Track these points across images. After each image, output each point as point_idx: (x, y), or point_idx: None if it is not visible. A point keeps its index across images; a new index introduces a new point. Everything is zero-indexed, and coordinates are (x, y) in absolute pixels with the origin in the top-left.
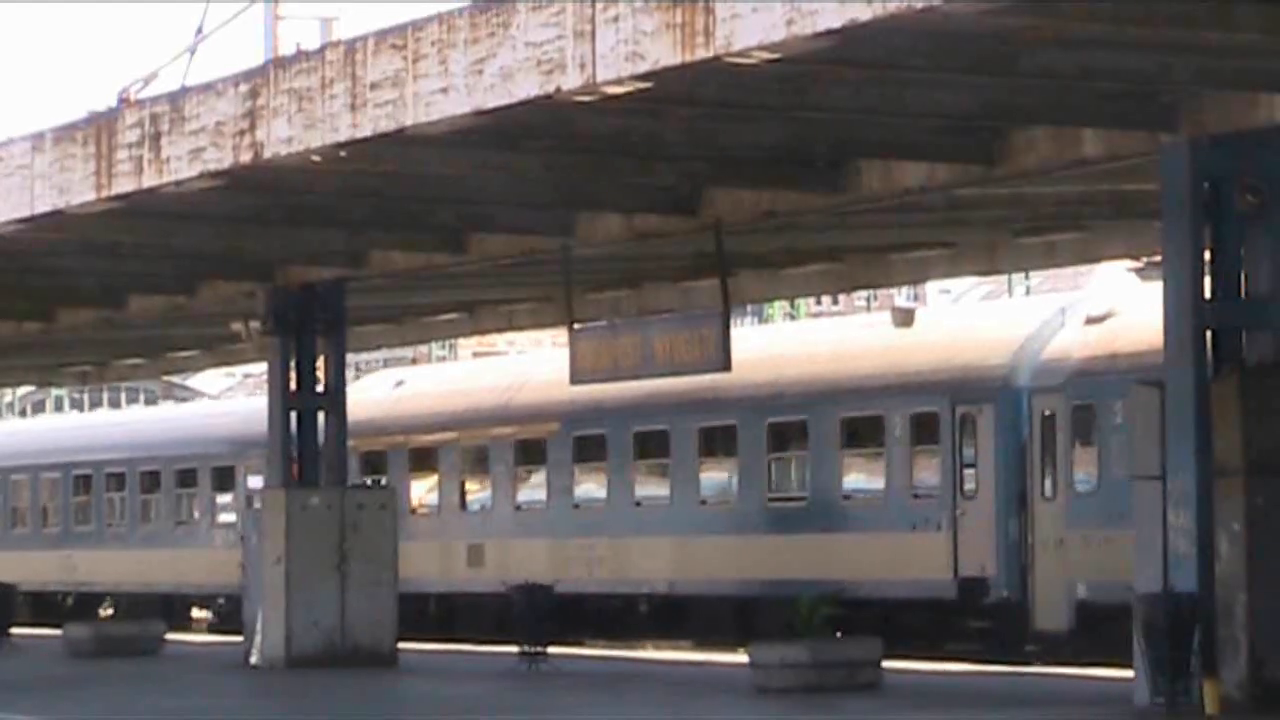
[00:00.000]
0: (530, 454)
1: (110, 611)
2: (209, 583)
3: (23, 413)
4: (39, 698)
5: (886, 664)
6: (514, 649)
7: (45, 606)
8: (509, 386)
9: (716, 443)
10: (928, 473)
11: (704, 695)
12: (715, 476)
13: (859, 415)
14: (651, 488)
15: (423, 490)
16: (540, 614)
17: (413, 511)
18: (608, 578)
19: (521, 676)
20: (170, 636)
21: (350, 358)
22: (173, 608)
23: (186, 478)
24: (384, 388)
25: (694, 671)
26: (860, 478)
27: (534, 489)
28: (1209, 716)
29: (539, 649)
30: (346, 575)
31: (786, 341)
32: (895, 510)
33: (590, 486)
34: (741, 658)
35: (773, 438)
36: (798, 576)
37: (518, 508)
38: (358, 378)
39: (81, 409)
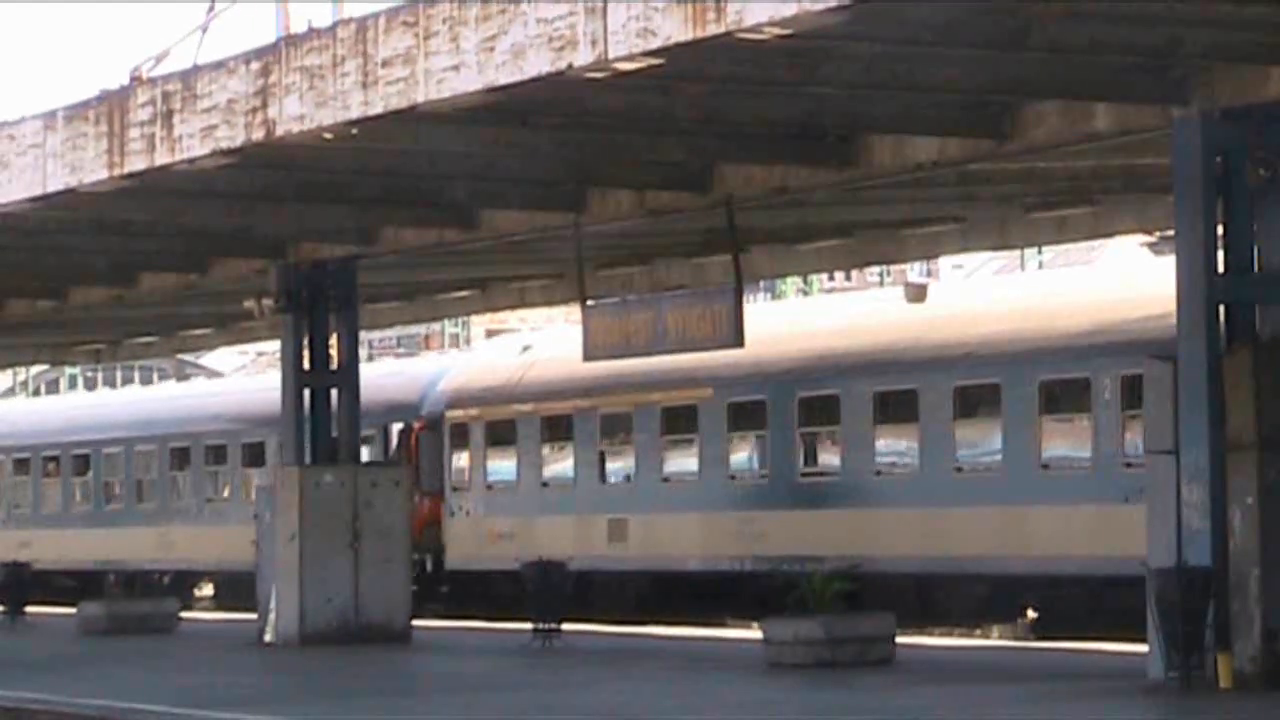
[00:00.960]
0: (679, 422)
1: (210, 591)
2: None
3: (36, 391)
4: (53, 676)
5: (900, 639)
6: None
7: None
8: None
9: (891, 408)
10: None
11: (716, 671)
12: (893, 444)
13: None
14: (824, 457)
15: (557, 461)
16: (554, 590)
17: (544, 485)
18: (771, 554)
19: (535, 653)
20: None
21: (362, 335)
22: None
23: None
24: (508, 354)
25: (707, 647)
26: (1063, 444)
27: (684, 459)
28: (1222, 690)
29: (552, 625)
30: (360, 552)
31: (978, 297)
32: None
33: (747, 456)
34: (756, 634)
35: (960, 402)
36: (987, 553)
37: (665, 479)
38: (370, 356)
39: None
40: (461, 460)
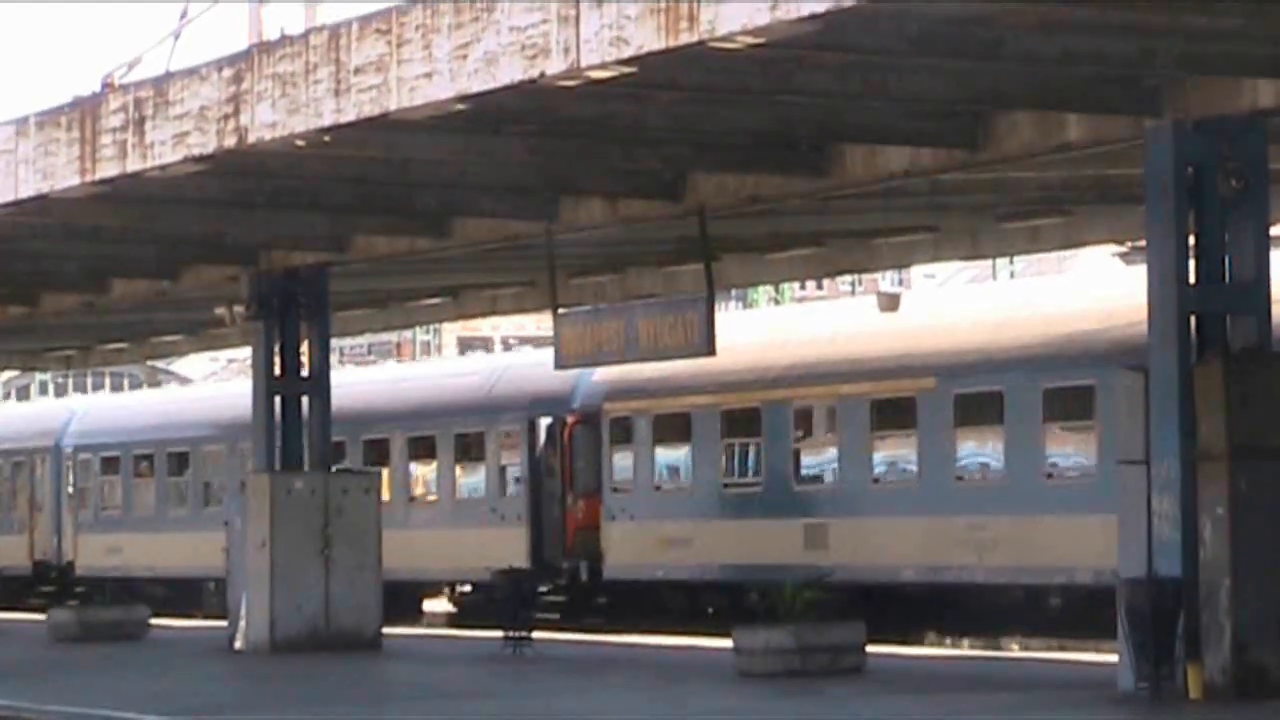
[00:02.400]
0: (893, 415)
1: None
2: (457, 567)
3: (7, 396)
4: (21, 682)
5: (870, 649)
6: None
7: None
8: (859, 334)
9: None
10: None
11: (686, 680)
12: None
13: None
14: (1069, 452)
15: (741, 459)
16: (523, 598)
17: (725, 486)
18: (1002, 565)
19: (505, 661)
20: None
21: (334, 342)
22: (400, 596)
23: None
24: None
25: (678, 656)
26: None
27: (898, 457)
28: (1192, 701)
29: (523, 634)
30: (330, 559)
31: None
32: None
33: (977, 453)
34: (726, 643)
35: None
36: None
37: (875, 480)
38: (341, 363)
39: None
40: (624, 458)
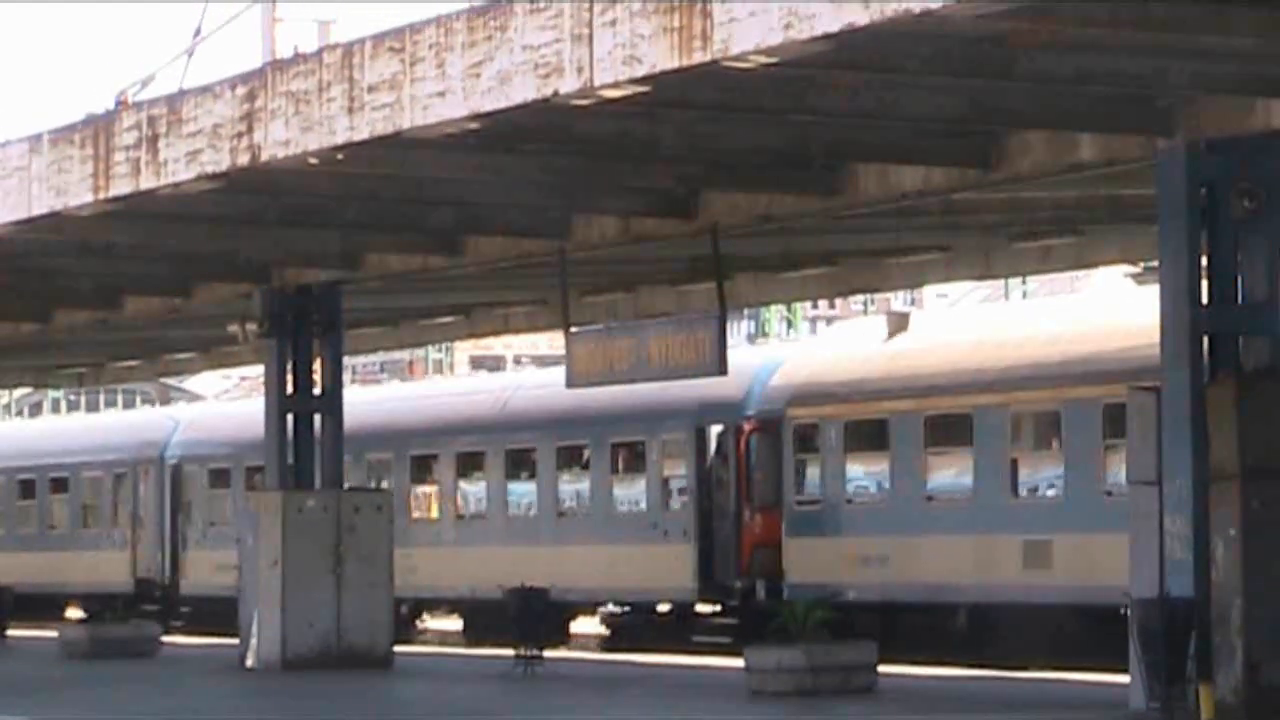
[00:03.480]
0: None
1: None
2: (611, 587)
3: (19, 413)
4: (33, 699)
5: (882, 668)
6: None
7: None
8: (1091, 332)
9: None
10: None
11: (698, 699)
12: None
13: None
14: None
15: (948, 469)
16: (535, 616)
17: (930, 498)
18: None
19: (517, 679)
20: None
21: (346, 360)
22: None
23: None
24: (871, 340)
25: (690, 675)
26: None
27: None
28: None
29: (534, 652)
30: (342, 577)
31: None
32: None
33: None
34: (739, 662)
35: None
36: None
37: (1108, 493)
38: (353, 382)
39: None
40: (810, 468)
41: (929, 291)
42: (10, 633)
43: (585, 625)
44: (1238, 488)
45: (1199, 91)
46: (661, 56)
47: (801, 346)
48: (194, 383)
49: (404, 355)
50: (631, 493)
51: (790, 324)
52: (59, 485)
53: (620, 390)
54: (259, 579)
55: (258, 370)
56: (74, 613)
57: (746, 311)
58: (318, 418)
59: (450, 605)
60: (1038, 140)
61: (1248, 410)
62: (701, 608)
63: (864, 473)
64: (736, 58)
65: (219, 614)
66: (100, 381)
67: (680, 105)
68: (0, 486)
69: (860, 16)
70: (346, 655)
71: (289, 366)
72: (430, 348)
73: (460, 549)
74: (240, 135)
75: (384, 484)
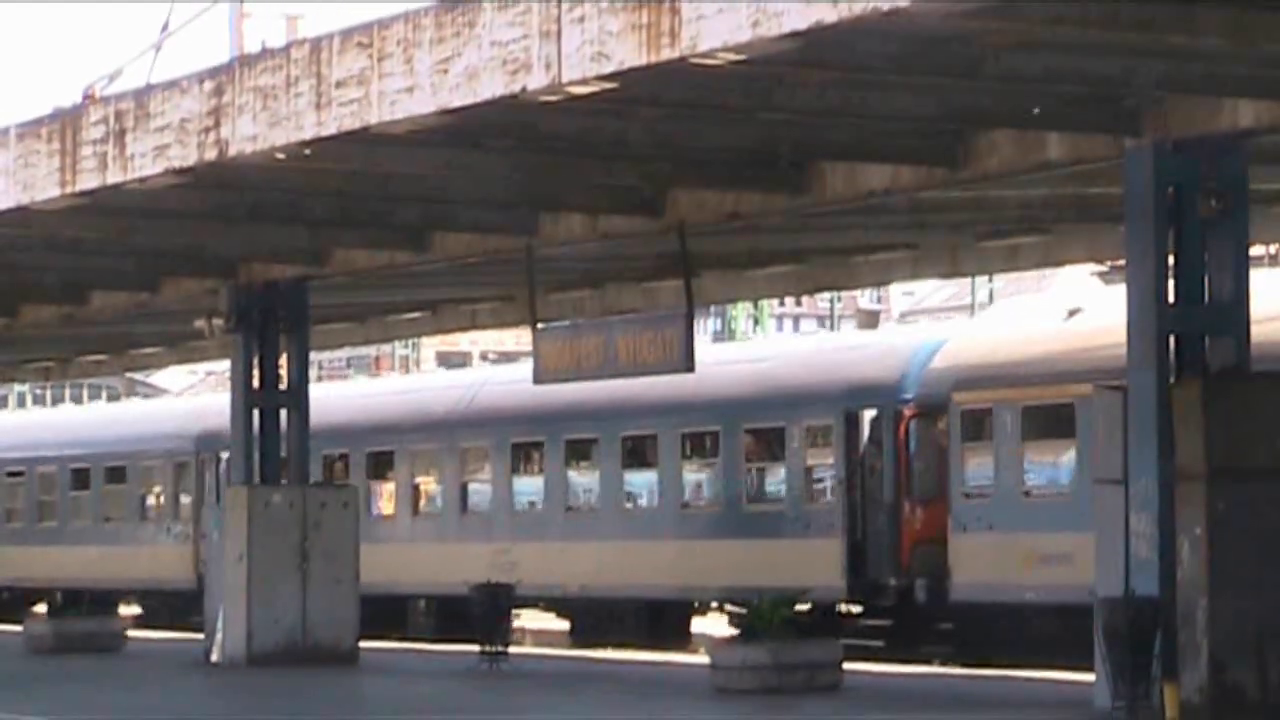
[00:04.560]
0: None
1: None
2: (742, 585)
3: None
4: None
5: (847, 666)
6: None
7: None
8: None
9: None
10: None
11: (663, 696)
12: None
13: None
14: None
15: None
16: (500, 613)
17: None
18: None
19: (482, 676)
20: (136, 634)
21: (313, 356)
22: (664, 614)
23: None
24: (1046, 319)
25: (654, 672)
26: None
27: None
28: None
29: (500, 649)
30: (308, 573)
31: None
32: None
33: None
34: (704, 659)
35: None
36: None
37: None
38: (319, 377)
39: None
40: (981, 458)
41: (895, 289)
42: None
43: (709, 624)
44: (1203, 488)
45: (1166, 91)
46: (630, 53)
47: (965, 327)
48: (160, 377)
49: (371, 351)
50: (768, 483)
51: (757, 321)
52: (115, 475)
53: (755, 372)
54: (225, 575)
55: (224, 365)
56: (131, 611)
57: (714, 309)
58: (284, 413)
59: (555, 604)
60: (1005, 139)
61: (1213, 410)
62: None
63: (1044, 462)
64: (705, 55)
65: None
66: (67, 376)
67: (648, 102)
68: (53, 476)
69: (829, 14)
70: (312, 651)
71: (255, 361)
72: (397, 343)
73: (569, 544)
74: (208, 130)
75: (481, 474)
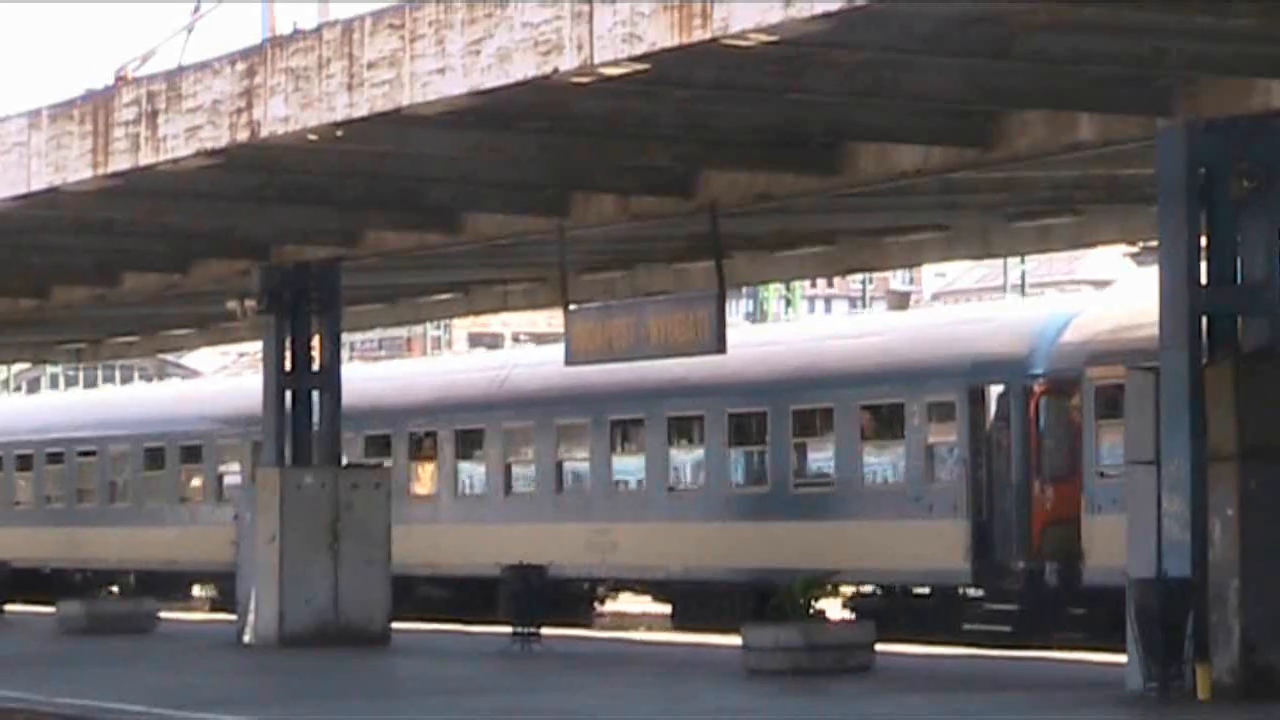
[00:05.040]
0: None
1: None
2: (859, 567)
3: (17, 389)
4: (30, 675)
5: (880, 647)
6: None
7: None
8: None
9: None
10: None
11: (695, 677)
12: None
13: None
14: None
15: None
16: (532, 594)
17: None
18: None
19: (513, 658)
20: (168, 615)
21: (344, 337)
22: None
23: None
24: None
25: (686, 654)
26: None
27: None
28: (1201, 702)
29: (531, 630)
30: (339, 554)
31: None
32: None
33: None
34: (737, 640)
35: None
36: None
37: None
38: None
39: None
40: (1116, 435)
41: (927, 270)
42: (9, 608)
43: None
44: (1235, 468)
45: (1198, 72)
46: (661, 35)
47: (1097, 300)
48: (192, 359)
49: (402, 332)
50: (885, 461)
51: (789, 303)
52: (192, 454)
53: (871, 347)
54: (257, 556)
55: (255, 347)
56: (205, 593)
57: (745, 290)
58: (316, 394)
59: (655, 587)
60: (1036, 120)
61: (1246, 391)
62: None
63: None
64: (736, 36)
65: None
66: (98, 357)
67: (679, 84)
68: (126, 455)
69: None
70: (343, 632)
71: (287, 343)
72: (428, 325)
73: (672, 524)
74: (239, 111)
75: (578, 452)
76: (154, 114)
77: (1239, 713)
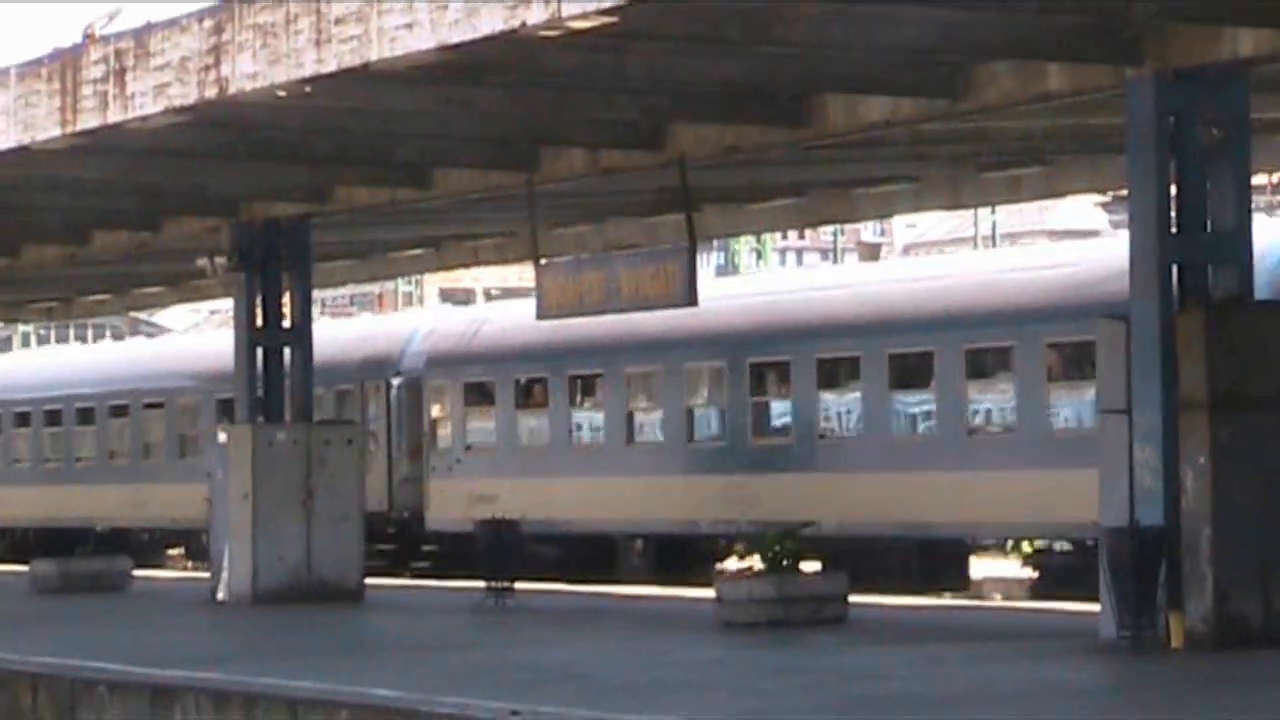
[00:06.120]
0: None
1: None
2: (1034, 520)
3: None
4: (4, 634)
5: (853, 599)
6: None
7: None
8: None
9: None
10: None
11: (669, 630)
12: None
13: None
14: None
15: None
16: (506, 549)
17: None
18: None
19: (487, 612)
20: (141, 573)
21: (315, 294)
22: None
23: None
24: None
25: (660, 607)
26: None
27: None
28: (1174, 650)
29: (505, 584)
30: (312, 511)
31: None
32: None
33: None
34: (710, 593)
35: None
36: None
37: None
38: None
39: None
40: None
41: (898, 222)
42: None
43: (993, 568)
44: (1207, 417)
45: (1166, 21)
46: None
47: None
48: (163, 316)
49: (374, 288)
50: (1072, 406)
51: (760, 255)
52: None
53: (1057, 279)
54: (230, 513)
55: (227, 304)
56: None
57: (716, 243)
58: (287, 351)
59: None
60: (1005, 71)
61: (1216, 339)
62: None
63: None
64: None
65: (475, 553)
66: (70, 316)
67: (648, 37)
68: (197, 408)
69: None
70: (317, 588)
71: (258, 300)
72: (400, 280)
73: (827, 476)
74: (208, 68)
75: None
76: (122, 72)
77: (1212, 661)
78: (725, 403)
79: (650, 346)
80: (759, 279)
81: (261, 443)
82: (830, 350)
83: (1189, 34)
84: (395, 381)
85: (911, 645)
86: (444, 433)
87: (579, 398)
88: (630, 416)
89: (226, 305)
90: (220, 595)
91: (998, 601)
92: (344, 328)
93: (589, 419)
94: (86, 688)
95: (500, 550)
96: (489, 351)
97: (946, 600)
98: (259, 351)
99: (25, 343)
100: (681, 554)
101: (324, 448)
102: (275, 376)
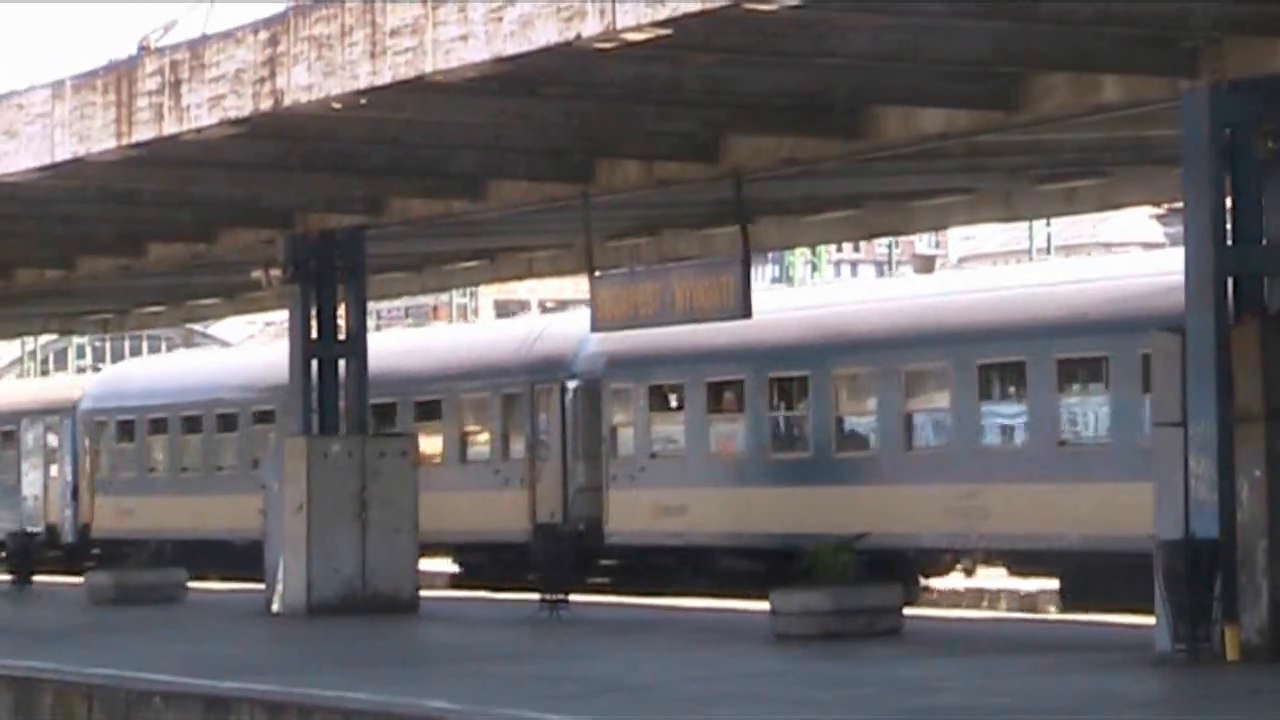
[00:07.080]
0: None
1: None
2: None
3: (44, 360)
4: (61, 645)
5: (908, 611)
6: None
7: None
8: None
9: None
10: None
11: (723, 642)
12: None
13: None
14: None
15: None
16: (561, 560)
17: None
18: None
19: (542, 624)
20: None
21: (370, 306)
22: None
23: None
24: None
25: (715, 619)
26: None
27: None
28: (1230, 663)
29: (560, 596)
30: (367, 523)
31: None
32: None
33: None
34: (765, 605)
35: None
36: None
37: None
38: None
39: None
40: None
41: (954, 234)
42: (36, 578)
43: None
44: (1263, 428)
45: (1223, 32)
46: None
47: None
48: (218, 328)
49: (428, 300)
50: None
51: (815, 267)
52: (428, 411)
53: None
54: (285, 525)
55: (282, 316)
56: (444, 567)
57: (771, 255)
58: (342, 363)
59: (1036, 560)
60: (1061, 82)
61: (1272, 351)
62: None
63: None
64: (759, 0)
65: (658, 567)
66: (125, 328)
67: (703, 48)
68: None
69: None
70: (371, 600)
71: (313, 312)
72: (454, 292)
73: (1065, 486)
74: (263, 80)
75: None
76: (177, 83)
77: (1268, 672)
78: (951, 409)
79: (861, 346)
80: (987, 274)
81: (316, 454)
82: (1072, 351)
83: (1245, 46)
84: (571, 385)
85: (967, 657)
86: (625, 438)
87: (779, 399)
88: (840, 422)
89: (281, 317)
90: (275, 607)
91: (1052, 614)
92: (509, 326)
93: (789, 420)
94: (141, 699)
95: (555, 560)
96: (678, 351)
97: (1000, 613)
98: (314, 363)
99: (80, 354)
100: (893, 569)
101: (379, 459)
102: (330, 388)
